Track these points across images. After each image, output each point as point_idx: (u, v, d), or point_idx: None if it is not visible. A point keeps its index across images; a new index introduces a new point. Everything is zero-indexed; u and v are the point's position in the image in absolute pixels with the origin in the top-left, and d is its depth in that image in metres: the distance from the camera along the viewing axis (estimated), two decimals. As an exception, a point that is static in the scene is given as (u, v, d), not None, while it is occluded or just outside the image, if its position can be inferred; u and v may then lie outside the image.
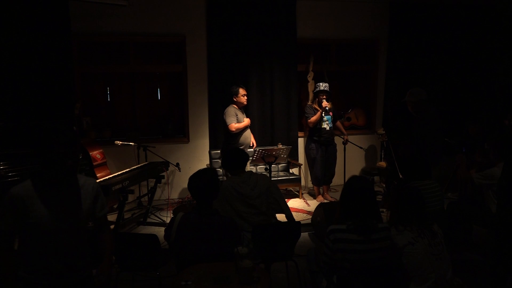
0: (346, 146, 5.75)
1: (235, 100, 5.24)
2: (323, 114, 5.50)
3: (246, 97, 5.33)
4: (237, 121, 5.13)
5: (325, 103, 5.42)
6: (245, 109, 6.16)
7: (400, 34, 6.63)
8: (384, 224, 2.39)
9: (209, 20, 5.95)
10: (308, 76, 6.43)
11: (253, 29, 6.05)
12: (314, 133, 5.63)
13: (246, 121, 5.24)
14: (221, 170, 5.59)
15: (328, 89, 5.56)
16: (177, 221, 2.56)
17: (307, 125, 5.77)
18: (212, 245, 2.50)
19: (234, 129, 5.09)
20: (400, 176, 4.15)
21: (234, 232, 2.62)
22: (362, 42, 6.78)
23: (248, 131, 5.31)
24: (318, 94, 5.57)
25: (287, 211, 3.44)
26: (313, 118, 5.51)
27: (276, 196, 3.40)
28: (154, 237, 2.74)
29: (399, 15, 6.60)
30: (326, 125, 5.57)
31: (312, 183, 5.97)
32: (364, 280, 2.28)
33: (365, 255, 2.27)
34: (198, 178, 2.60)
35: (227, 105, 6.07)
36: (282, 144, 5.62)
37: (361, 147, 5.77)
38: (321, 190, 5.90)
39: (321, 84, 5.59)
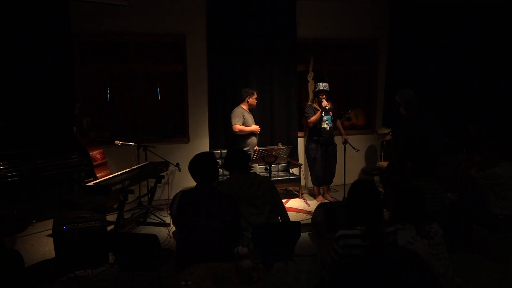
0: (345, 146, 5.74)
1: (248, 101, 5.43)
2: (323, 114, 5.50)
3: (256, 100, 5.56)
4: (244, 121, 5.26)
5: (324, 103, 5.43)
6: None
7: (400, 34, 6.64)
8: (391, 228, 2.36)
9: (209, 20, 5.95)
10: (308, 76, 6.43)
11: (253, 29, 6.05)
12: (314, 133, 5.63)
13: (255, 127, 5.36)
14: (221, 170, 5.60)
15: (328, 89, 5.56)
16: (178, 195, 2.74)
17: (307, 125, 5.78)
18: (213, 214, 2.64)
19: (237, 130, 5.21)
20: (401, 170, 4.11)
21: (234, 203, 2.78)
22: (362, 42, 6.78)
23: (255, 136, 5.45)
24: (318, 93, 5.57)
25: (285, 216, 3.45)
26: (313, 118, 5.51)
27: (277, 200, 3.41)
28: (154, 237, 2.74)
29: (399, 15, 6.60)
30: (326, 125, 5.57)
31: (312, 183, 5.97)
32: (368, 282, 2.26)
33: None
34: (199, 158, 2.83)
35: (227, 105, 6.11)
36: (282, 144, 5.62)
37: (354, 148, 5.75)
38: (321, 190, 5.90)
39: (320, 84, 5.59)
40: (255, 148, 5.38)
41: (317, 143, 5.62)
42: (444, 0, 6.59)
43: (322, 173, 5.71)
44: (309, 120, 5.57)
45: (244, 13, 6.00)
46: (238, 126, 5.22)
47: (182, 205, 2.68)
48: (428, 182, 3.42)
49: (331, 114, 5.61)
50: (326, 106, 5.43)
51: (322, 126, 5.57)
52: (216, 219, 2.64)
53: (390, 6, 6.60)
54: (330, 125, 5.62)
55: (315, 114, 5.52)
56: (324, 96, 5.50)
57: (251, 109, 5.55)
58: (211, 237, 2.59)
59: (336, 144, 5.77)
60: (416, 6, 6.59)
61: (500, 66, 6.98)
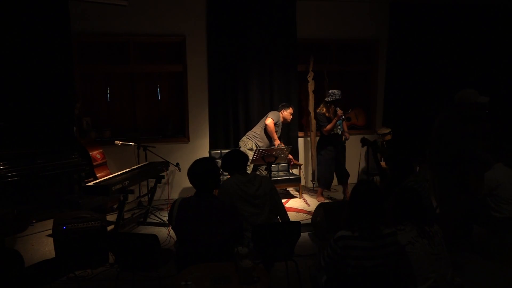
0: (345, 146, 5.78)
1: (282, 113, 5.67)
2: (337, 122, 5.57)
3: (292, 117, 5.82)
4: (276, 126, 5.56)
5: (340, 112, 5.46)
6: (246, 109, 6.18)
7: (400, 34, 6.64)
8: (390, 229, 2.36)
9: (209, 20, 5.95)
10: (308, 76, 6.43)
11: (253, 29, 6.05)
12: (328, 139, 5.64)
13: (277, 142, 5.54)
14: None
15: (341, 98, 5.57)
16: (177, 204, 2.64)
17: (319, 131, 5.79)
18: (212, 228, 2.54)
19: (268, 123, 5.47)
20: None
21: (234, 215, 2.67)
22: (362, 42, 6.78)
23: (268, 143, 5.65)
24: (333, 103, 5.53)
25: (284, 216, 3.45)
26: (329, 126, 5.52)
27: (277, 200, 3.41)
28: (154, 237, 2.74)
29: (399, 15, 6.60)
30: (338, 130, 5.61)
31: (321, 186, 5.88)
32: (367, 282, 2.27)
33: (373, 261, 2.25)
34: (198, 165, 2.69)
35: (227, 105, 6.18)
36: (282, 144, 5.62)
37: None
38: (328, 193, 5.95)
39: (336, 92, 5.52)
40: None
41: (331, 146, 5.63)
42: (444, 0, 6.59)
43: (332, 174, 5.77)
44: (325, 129, 5.56)
45: (244, 13, 6.00)
46: (271, 121, 5.49)
47: (181, 217, 2.60)
48: (416, 179, 3.39)
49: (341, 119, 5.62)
50: (342, 115, 5.48)
51: (335, 132, 5.59)
52: (216, 233, 2.55)
53: (390, 6, 6.60)
54: (341, 129, 5.66)
55: (329, 122, 5.53)
56: (339, 106, 5.52)
57: (284, 124, 5.83)
58: (210, 249, 2.55)
59: (344, 142, 5.82)
60: (416, 6, 6.59)
61: (500, 66, 6.98)
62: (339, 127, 5.61)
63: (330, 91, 5.57)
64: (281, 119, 5.73)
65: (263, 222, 3.22)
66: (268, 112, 5.85)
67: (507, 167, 3.77)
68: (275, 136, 5.57)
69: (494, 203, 3.75)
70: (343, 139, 5.66)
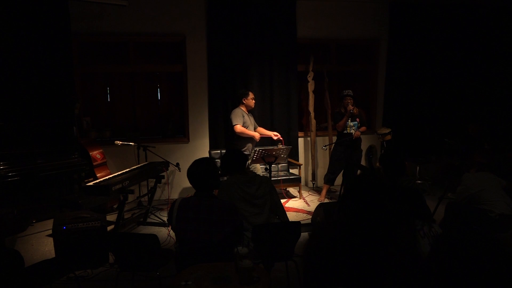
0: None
1: (244, 102, 5.34)
2: (349, 120, 5.55)
3: (254, 101, 5.43)
4: (243, 123, 5.21)
5: (350, 107, 5.49)
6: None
7: (400, 34, 6.64)
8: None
9: (209, 20, 5.95)
10: (308, 76, 6.43)
11: (253, 29, 6.06)
12: (340, 137, 5.69)
13: (256, 135, 5.27)
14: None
15: (351, 94, 5.60)
16: (177, 204, 2.63)
17: (336, 130, 5.83)
18: (212, 226, 2.54)
19: (238, 130, 5.16)
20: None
21: (234, 214, 2.65)
22: (362, 42, 6.78)
23: (254, 143, 5.36)
24: (343, 98, 5.61)
25: (283, 216, 3.44)
26: (341, 122, 5.59)
27: (276, 200, 3.41)
28: (154, 237, 2.74)
29: (399, 15, 6.61)
30: (352, 131, 5.59)
31: (324, 182, 5.95)
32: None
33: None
34: (197, 165, 2.68)
35: (227, 105, 6.12)
36: (282, 144, 5.62)
37: (324, 146, 5.85)
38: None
39: (349, 91, 5.64)
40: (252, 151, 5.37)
41: (342, 147, 5.64)
42: (444, 0, 6.59)
43: (335, 174, 5.76)
44: (337, 124, 5.65)
45: (244, 13, 6.00)
46: (239, 127, 5.14)
47: (181, 217, 2.59)
48: (409, 179, 3.40)
49: (357, 121, 5.61)
50: (351, 110, 5.49)
51: (348, 132, 5.59)
52: (216, 233, 2.54)
53: (390, 6, 6.60)
54: (355, 130, 5.62)
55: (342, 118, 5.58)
56: (350, 101, 5.54)
57: (251, 111, 5.47)
58: (210, 249, 2.55)
59: (362, 151, 5.79)
60: (416, 6, 6.60)
61: (500, 66, 6.99)
62: (353, 127, 5.60)
63: (342, 90, 5.70)
64: (245, 110, 5.32)
65: (263, 222, 3.22)
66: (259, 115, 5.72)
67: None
68: (251, 133, 5.25)
69: (483, 204, 3.78)
70: (354, 138, 5.64)
